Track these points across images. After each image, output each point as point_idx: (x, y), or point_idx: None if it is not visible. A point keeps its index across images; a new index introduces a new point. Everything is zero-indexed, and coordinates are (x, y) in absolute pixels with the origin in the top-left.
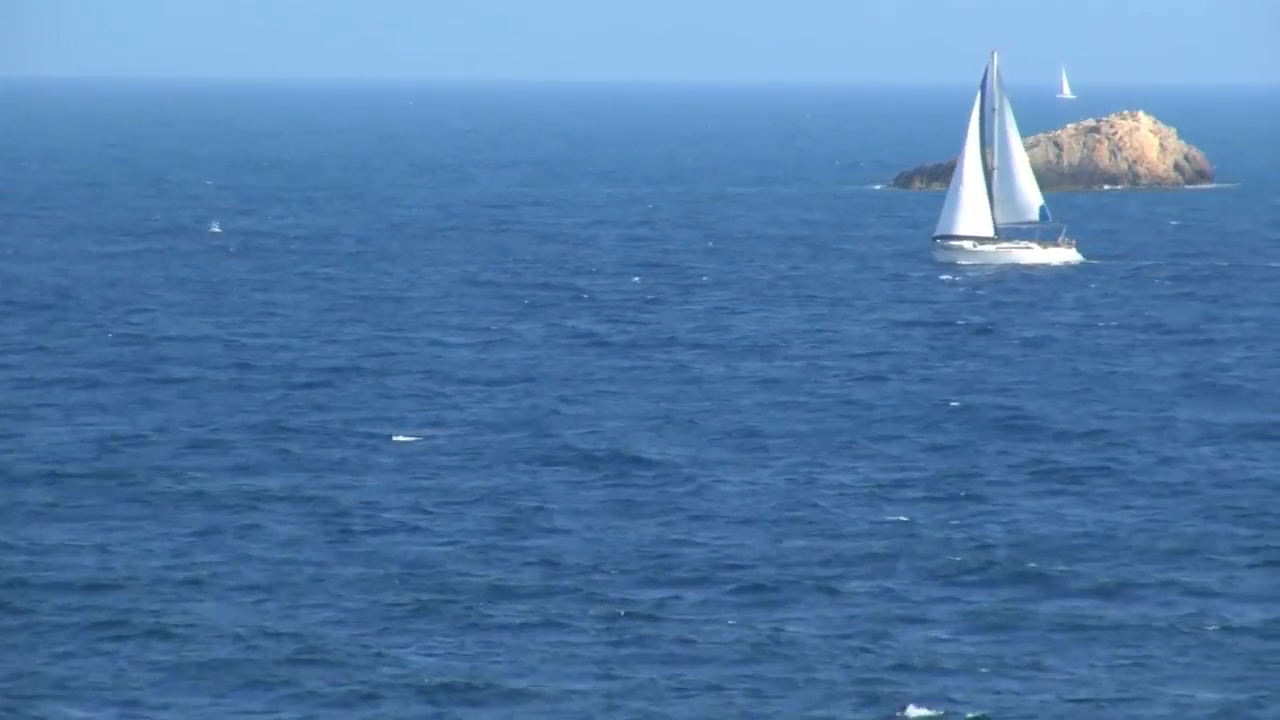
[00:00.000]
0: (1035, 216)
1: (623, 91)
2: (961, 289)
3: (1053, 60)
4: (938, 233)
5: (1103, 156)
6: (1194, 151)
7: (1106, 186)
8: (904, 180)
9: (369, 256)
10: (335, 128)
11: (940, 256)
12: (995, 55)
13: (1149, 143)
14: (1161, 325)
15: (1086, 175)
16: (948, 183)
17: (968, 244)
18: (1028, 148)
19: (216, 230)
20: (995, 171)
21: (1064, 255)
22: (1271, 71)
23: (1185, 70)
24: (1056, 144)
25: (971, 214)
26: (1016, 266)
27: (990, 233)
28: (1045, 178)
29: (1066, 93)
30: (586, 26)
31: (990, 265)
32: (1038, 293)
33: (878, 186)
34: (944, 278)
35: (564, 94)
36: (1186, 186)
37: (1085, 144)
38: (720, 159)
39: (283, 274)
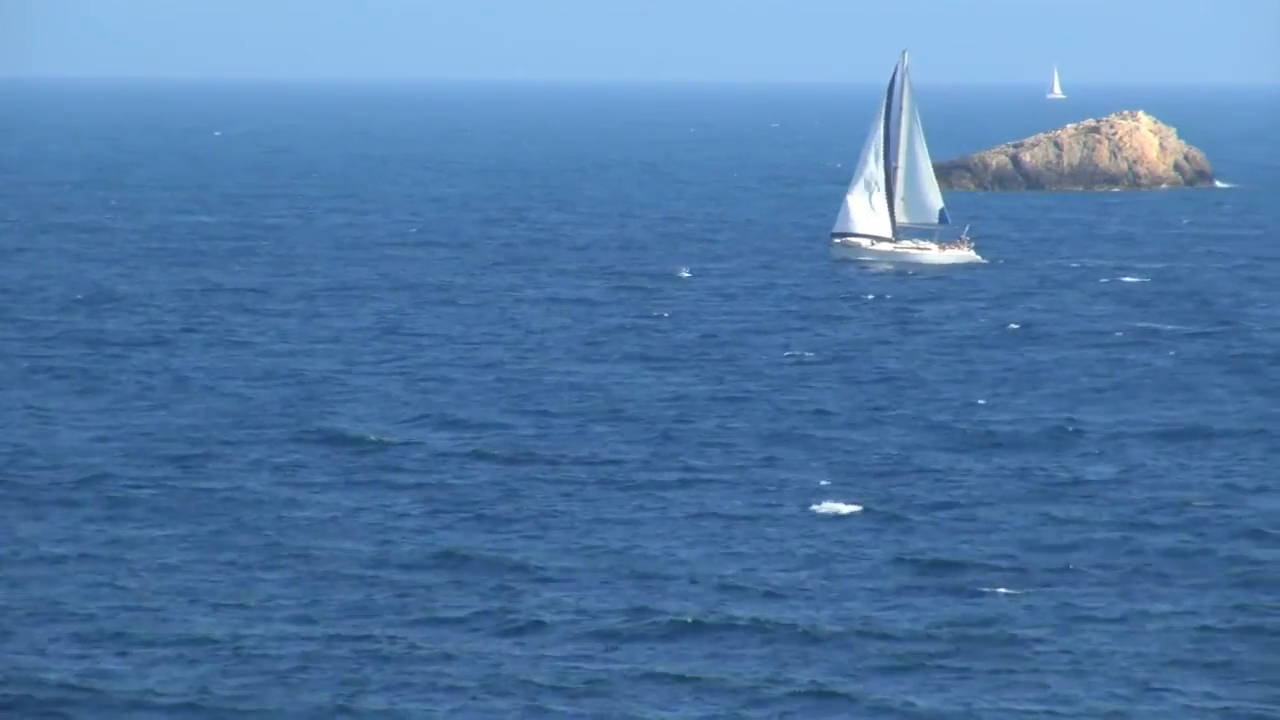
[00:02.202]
0: (935, 219)
1: (564, 91)
2: (863, 286)
3: (1044, 60)
4: (835, 230)
5: (1103, 157)
6: (1194, 152)
7: (1099, 188)
8: None
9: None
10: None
11: (837, 254)
12: (905, 55)
13: (1149, 143)
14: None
15: (1086, 175)
16: (947, 182)
17: (865, 242)
18: (1028, 148)
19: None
20: (898, 171)
21: (961, 255)
22: (1266, 73)
23: (1177, 70)
24: (1056, 144)
25: (871, 213)
26: (914, 265)
27: (889, 232)
28: (1045, 177)
29: (1057, 92)
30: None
31: (888, 264)
32: (929, 290)
33: None
34: (868, 293)
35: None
36: (1186, 187)
37: (1085, 144)
38: (719, 160)
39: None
